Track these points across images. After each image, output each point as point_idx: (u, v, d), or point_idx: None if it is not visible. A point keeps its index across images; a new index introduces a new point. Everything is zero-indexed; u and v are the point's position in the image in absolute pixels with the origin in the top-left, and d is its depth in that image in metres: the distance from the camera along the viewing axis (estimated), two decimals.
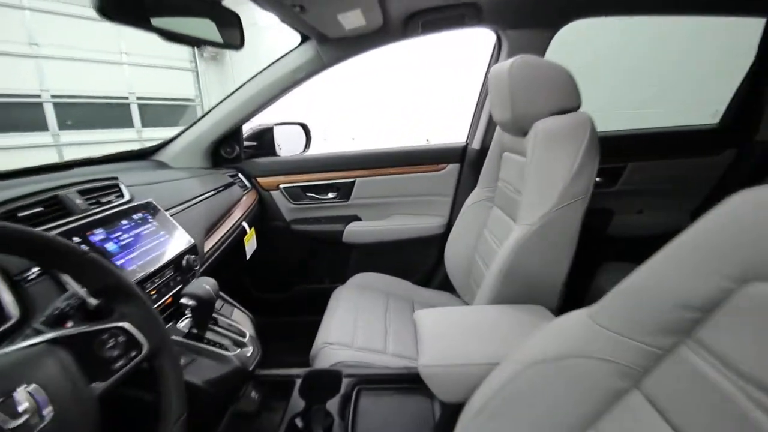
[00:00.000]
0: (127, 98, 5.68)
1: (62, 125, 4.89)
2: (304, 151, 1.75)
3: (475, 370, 0.68)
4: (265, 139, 1.61)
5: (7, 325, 0.48)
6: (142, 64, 5.73)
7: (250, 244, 1.34)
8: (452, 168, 1.49)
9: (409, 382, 0.92)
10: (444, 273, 1.53)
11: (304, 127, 1.72)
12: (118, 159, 1.23)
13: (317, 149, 1.75)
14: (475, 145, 1.44)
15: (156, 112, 6.08)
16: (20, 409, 0.34)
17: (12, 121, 4.47)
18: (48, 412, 0.35)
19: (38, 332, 0.45)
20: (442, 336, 0.77)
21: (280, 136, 1.65)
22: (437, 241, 1.54)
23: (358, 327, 1.16)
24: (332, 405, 0.85)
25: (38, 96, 4.67)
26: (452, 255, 1.38)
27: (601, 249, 1.43)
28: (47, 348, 0.40)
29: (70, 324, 0.49)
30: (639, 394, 0.47)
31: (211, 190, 1.20)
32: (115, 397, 0.46)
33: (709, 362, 0.40)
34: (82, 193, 0.76)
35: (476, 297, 1.04)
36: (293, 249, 1.62)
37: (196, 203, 1.07)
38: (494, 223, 1.20)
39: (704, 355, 0.40)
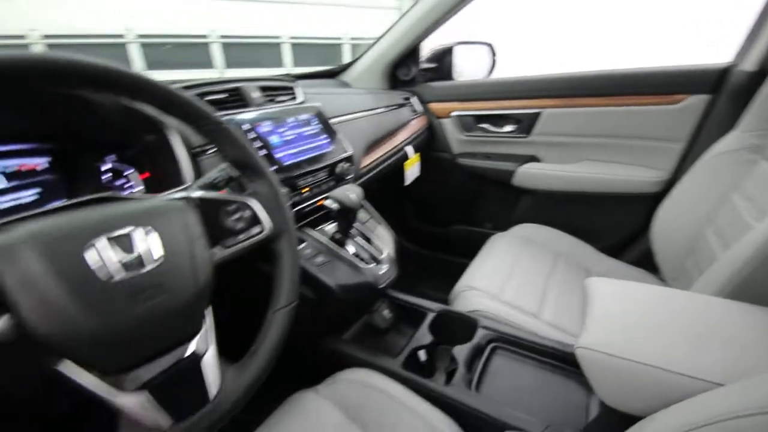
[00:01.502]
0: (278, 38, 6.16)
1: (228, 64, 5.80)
2: (487, 75, 1.53)
3: (667, 379, 0.44)
4: (444, 61, 1.47)
5: (181, 187, 0.55)
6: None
7: (412, 169, 1.29)
8: (696, 101, 1.03)
9: (561, 360, 0.73)
10: (646, 245, 1.15)
11: (490, 47, 1.49)
12: (307, 77, 1.33)
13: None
14: (749, 65, 0.93)
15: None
16: (133, 246, 0.35)
17: (185, 59, 5.52)
18: (158, 257, 0.36)
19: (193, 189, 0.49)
20: (622, 316, 0.54)
21: (461, 58, 1.47)
22: (646, 202, 1.15)
23: (512, 280, 0.99)
24: (459, 352, 0.75)
25: (205, 36, 5.56)
26: (667, 223, 1.00)
27: None
28: (178, 206, 0.42)
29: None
30: None
31: (377, 108, 1.17)
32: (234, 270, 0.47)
33: None
34: (262, 89, 0.82)
35: (696, 283, 0.71)
36: (455, 185, 1.50)
37: (360, 117, 1.06)
38: (761, 186, 0.77)
39: None
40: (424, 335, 0.80)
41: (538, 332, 0.81)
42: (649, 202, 1.13)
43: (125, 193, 0.61)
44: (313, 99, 0.93)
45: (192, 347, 0.39)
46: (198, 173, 0.60)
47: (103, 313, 0.33)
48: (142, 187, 0.63)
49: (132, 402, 0.35)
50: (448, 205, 1.57)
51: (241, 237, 0.46)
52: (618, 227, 1.23)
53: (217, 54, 5.87)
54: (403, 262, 0.89)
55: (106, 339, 0.33)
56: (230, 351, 0.45)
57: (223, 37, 5.82)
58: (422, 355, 0.77)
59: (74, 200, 0.38)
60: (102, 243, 0.34)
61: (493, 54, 1.50)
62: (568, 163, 1.27)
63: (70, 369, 0.33)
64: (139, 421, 0.35)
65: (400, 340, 0.85)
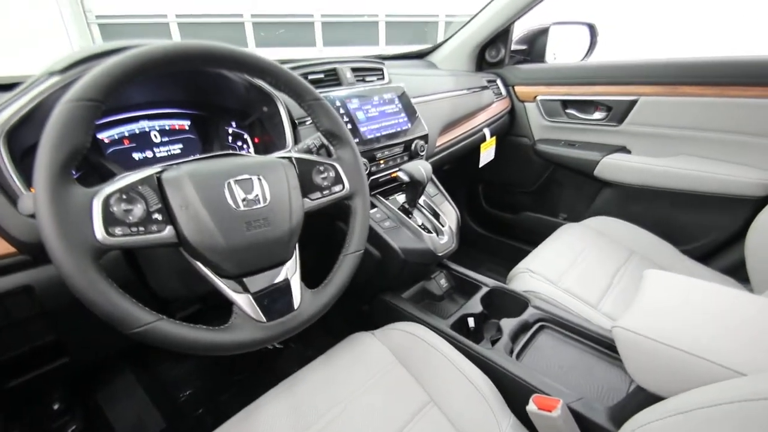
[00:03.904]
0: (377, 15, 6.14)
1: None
2: (584, 58, 1.45)
3: (691, 363, 0.46)
4: (537, 42, 1.43)
5: (284, 150, 0.69)
6: None
7: (487, 152, 1.32)
8: None
9: (608, 347, 0.75)
10: (739, 253, 1.05)
11: (591, 27, 1.40)
12: (396, 57, 1.41)
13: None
14: None
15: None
16: (252, 188, 0.49)
17: (289, 39, 5.79)
18: (268, 199, 0.50)
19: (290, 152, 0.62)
20: (666, 304, 0.55)
21: (557, 39, 1.42)
22: (746, 206, 1.04)
23: (574, 269, 0.99)
24: (506, 325, 0.80)
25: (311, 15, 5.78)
26: (767, 232, 0.90)
27: None
28: (283, 162, 0.54)
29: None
30: None
31: (459, 90, 1.21)
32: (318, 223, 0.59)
33: None
34: (353, 70, 0.93)
35: None
36: (532, 171, 1.48)
37: (441, 99, 1.12)
38: None
39: None
40: (475, 305, 0.87)
41: (591, 320, 0.83)
42: (750, 206, 1.02)
43: (243, 152, 0.78)
44: (398, 79, 1.01)
45: (284, 270, 0.52)
46: (297, 140, 0.73)
47: (228, 234, 0.47)
48: (252, 149, 0.79)
49: (241, 299, 0.49)
50: (521, 191, 1.56)
51: (326, 192, 0.58)
52: (708, 230, 1.13)
53: (318, 34, 6.23)
54: (466, 241, 0.95)
55: (228, 252, 0.47)
56: (310, 281, 0.58)
57: (323, 16, 6.13)
58: (471, 321, 0.84)
59: (213, 154, 0.53)
60: (232, 184, 0.48)
61: (594, 35, 1.42)
62: (662, 157, 1.18)
63: (204, 270, 0.48)
64: (245, 314, 0.49)
65: (453, 307, 0.93)
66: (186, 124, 0.80)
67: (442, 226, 0.90)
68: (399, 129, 0.91)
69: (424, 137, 0.96)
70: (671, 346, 0.49)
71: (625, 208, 1.25)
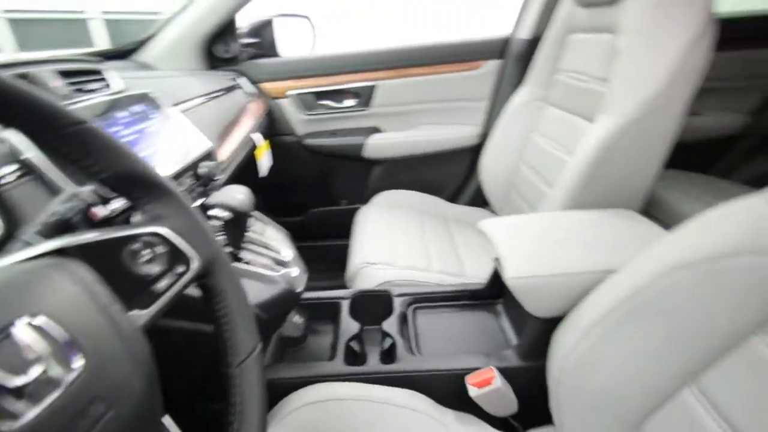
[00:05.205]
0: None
1: None
2: (310, 50, 1.48)
3: (580, 280, 0.57)
4: (265, 35, 1.34)
5: (26, 235, 0.33)
6: None
7: (265, 158, 1.17)
8: (491, 65, 1.28)
9: (467, 299, 0.83)
10: (476, 188, 1.40)
11: (308, 20, 1.44)
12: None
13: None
14: (523, 34, 1.21)
15: None
16: (26, 356, 0.20)
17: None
18: (75, 356, 0.22)
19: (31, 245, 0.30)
20: (523, 245, 0.65)
21: (281, 32, 1.38)
22: (470, 153, 1.38)
23: (398, 245, 1.04)
24: (389, 326, 0.76)
25: None
26: (491, 166, 1.23)
27: None
28: (55, 262, 0.25)
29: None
30: None
31: (214, 91, 0.99)
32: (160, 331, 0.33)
33: None
34: (63, 75, 0.56)
35: (542, 206, 0.92)
36: (307, 167, 1.45)
37: (201, 103, 0.87)
38: (551, 125, 1.03)
39: None
40: (348, 325, 0.77)
41: (439, 282, 0.90)
42: (473, 152, 1.37)
43: None
44: (134, 85, 0.70)
45: None
46: (10, 215, 0.37)
47: None
48: None
49: None
50: (301, 190, 1.51)
51: (162, 285, 0.32)
52: (454, 178, 1.45)
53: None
54: None
55: None
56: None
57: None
58: (355, 345, 0.75)
59: None
60: None
61: (312, 27, 1.46)
62: (408, 130, 1.39)
63: None
64: None
65: (322, 340, 0.79)
66: None
67: (284, 256, 0.73)
68: (174, 152, 0.64)
69: (209, 155, 0.72)
70: (556, 273, 0.58)
71: (396, 179, 1.42)
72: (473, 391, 0.59)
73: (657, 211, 1.07)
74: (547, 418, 0.59)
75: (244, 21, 1.31)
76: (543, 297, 0.59)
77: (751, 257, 0.38)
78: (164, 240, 0.33)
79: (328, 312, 0.83)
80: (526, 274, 0.59)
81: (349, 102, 1.35)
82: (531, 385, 0.62)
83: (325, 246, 1.54)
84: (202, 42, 1.17)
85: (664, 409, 0.44)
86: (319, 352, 0.76)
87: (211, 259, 0.36)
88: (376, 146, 1.38)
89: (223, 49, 1.22)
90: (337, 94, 1.33)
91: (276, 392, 0.63)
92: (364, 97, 1.33)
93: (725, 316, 0.40)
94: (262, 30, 1.34)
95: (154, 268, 0.32)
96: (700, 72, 0.69)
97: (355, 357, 0.73)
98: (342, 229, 1.41)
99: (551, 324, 0.58)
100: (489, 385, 0.59)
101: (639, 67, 0.70)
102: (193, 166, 0.67)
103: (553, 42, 1.03)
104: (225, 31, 1.19)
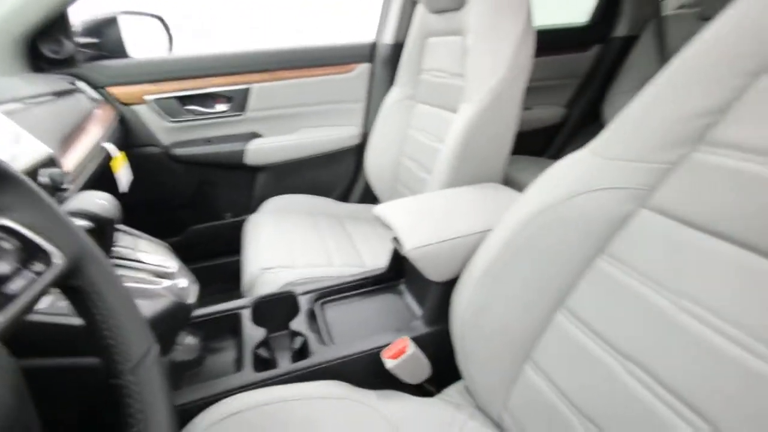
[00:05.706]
0: None
1: None
2: (168, 52, 1.34)
3: (467, 241, 0.64)
4: (109, 34, 1.17)
5: None
6: None
7: (123, 172, 1.01)
8: (362, 69, 1.35)
9: (371, 285, 0.86)
10: (363, 185, 1.46)
11: (161, 20, 1.31)
12: None
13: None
14: (387, 39, 1.31)
15: None
16: None
17: None
18: None
19: None
20: (417, 221, 0.71)
21: (130, 31, 1.22)
22: (354, 153, 1.43)
23: (295, 247, 1.02)
24: (298, 324, 0.73)
25: None
26: (375, 163, 1.30)
27: None
28: None
29: None
30: (648, 211, 0.49)
31: (41, 94, 0.82)
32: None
33: (728, 155, 0.41)
34: None
35: (425, 190, 1.00)
36: (180, 180, 1.30)
37: (25, 108, 0.71)
38: (423, 119, 1.14)
39: (723, 152, 0.42)
40: (252, 334, 0.72)
41: (342, 274, 0.91)
42: (356, 152, 1.43)
43: None
44: None
45: None
46: None
47: None
48: None
49: None
50: (175, 206, 1.35)
51: (17, 285, 0.26)
52: (342, 178, 1.48)
53: None
54: None
55: None
56: None
57: None
58: (263, 352, 0.70)
59: None
60: None
61: (167, 28, 1.33)
62: (288, 134, 1.37)
63: None
64: None
65: (224, 357, 0.72)
66: None
67: (166, 267, 0.64)
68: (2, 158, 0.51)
69: (51, 162, 0.60)
70: (447, 239, 0.65)
71: (283, 184, 1.38)
72: (389, 363, 0.62)
73: (511, 187, 1.29)
74: (456, 375, 0.65)
75: (76, 19, 1.12)
76: (440, 262, 0.65)
77: (586, 195, 0.49)
78: (13, 233, 0.27)
79: (225, 326, 0.76)
80: (422, 243, 0.64)
81: (221, 107, 1.26)
82: (440, 347, 0.67)
83: (212, 266, 1.40)
84: (21, 42, 0.96)
85: (546, 332, 0.53)
86: (223, 368, 0.69)
87: (77, 255, 0.30)
88: (258, 152, 1.33)
89: (54, 49, 1.02)
90: (206, 99, 1.24)
91: (180, 420, 0.55)
92: (238, 101, 1.26)
93: (576, 245, 0.50)
94: (104, 28, 1.16)
95: (6, 267, 0.26)
96: (529, 66, 0.85)
97: (265, 364, 0.68)
98: (229, 244, 1.31)
99: (449, 286, 0.65)
100: (404, 354, 0.62)
101: (484, 61, 0.84)
102: (31, 173, 0.54)
103: (414, 46, 1.14)
104: (54, 28, 1.00)
